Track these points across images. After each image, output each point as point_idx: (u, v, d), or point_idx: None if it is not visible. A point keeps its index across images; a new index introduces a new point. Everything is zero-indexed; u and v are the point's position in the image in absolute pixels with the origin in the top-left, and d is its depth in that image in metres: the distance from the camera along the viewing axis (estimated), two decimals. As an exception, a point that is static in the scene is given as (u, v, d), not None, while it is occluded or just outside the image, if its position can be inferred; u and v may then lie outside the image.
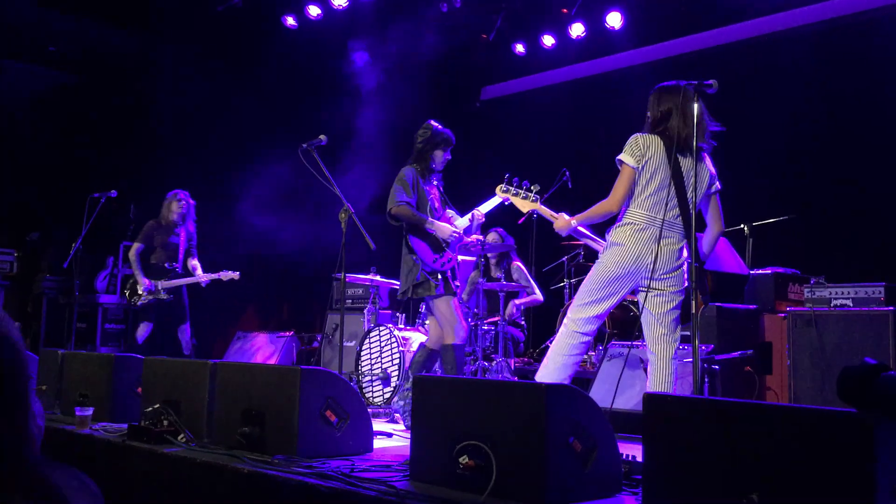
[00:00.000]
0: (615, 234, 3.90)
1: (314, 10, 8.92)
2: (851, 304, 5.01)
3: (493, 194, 4.75)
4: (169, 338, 7.16)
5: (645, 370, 4.85)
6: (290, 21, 9.17)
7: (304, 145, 5.14)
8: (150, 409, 3.98)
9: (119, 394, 4.62)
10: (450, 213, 5.36)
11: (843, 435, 2.00)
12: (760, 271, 5.94)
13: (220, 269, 7.01)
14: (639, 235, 3.81)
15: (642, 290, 3.84)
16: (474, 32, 9.39)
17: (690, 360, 4.09)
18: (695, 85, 3.74)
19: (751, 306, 5.67)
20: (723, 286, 5.54)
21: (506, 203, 5.22)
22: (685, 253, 3.88)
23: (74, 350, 6.97)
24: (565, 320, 3.99)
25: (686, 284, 3.84)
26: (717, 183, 4.07)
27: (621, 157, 3.91)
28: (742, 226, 6.41)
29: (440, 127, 5.36)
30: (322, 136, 5.17)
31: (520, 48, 9.38)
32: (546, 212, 4.17)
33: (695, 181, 3.76)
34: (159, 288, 6.88)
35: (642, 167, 3.86)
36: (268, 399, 3.61)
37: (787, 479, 2.09)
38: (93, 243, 7.95)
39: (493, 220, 6.03)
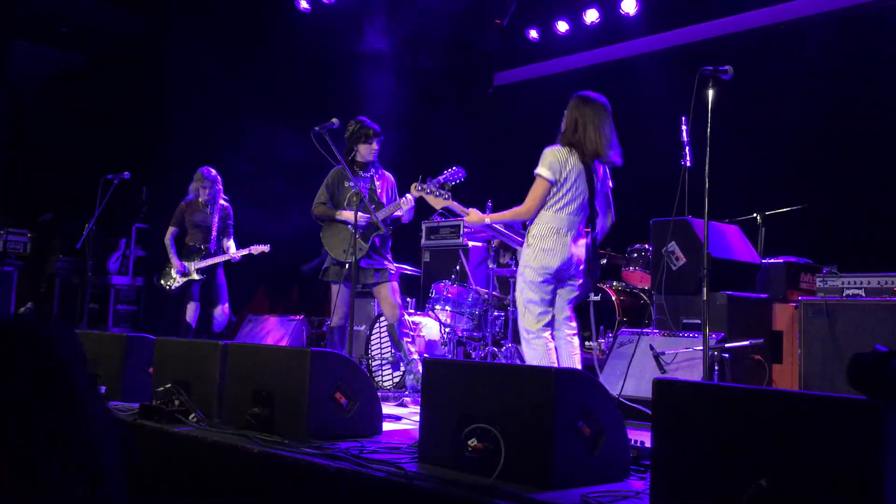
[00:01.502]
0: (542, 238, 4.15)
1: (327, -6, 8.91)
2: (864, 294, 4.98)
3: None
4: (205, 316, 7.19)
5: (655, 357, 4.84)
6: (304, 4, 9.15)
7: (317, 128, 5.14)
8: (162, 388, 4.00)
9: (131, 373, 4.66)
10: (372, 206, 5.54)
11: (851, 421, 1.99)
12: (772, 260, 5.91)
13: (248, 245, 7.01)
14: (563, 238, 4.14)
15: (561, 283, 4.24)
16: (488, 18, 9.34)
17: (700, 347, 4.10)
18: (710, 71, 3.73)
19: (762, 295, 5.64)
20: (734, 275, 5.51)
21: (455, 182, 5.37)
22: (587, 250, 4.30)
23: (87, 330, 7.01)
24: (530, 337, 4.19)
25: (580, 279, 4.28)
26: (611, 184, 4.47)
27: (538, 171, 4.17)
28: (754, 215, 6.38)
29: (365, 121, 5.59)
30: (334, 120, 5.17)
31: (533, 34, 9.33)
32: (457, 206, 4.45)
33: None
34: (192, 269, 6.87)
35: (559, 180, 4.14)
36: (278, 380, 3.63)
37: (795, 465, 2.09)
38: (105, 225, 7.99)
39: (500, 207, 6.03)
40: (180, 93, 9.15)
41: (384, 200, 5.63)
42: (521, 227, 4.40)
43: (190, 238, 7.00)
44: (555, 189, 4.15)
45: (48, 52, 9.87)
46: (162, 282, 6.99)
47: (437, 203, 4.53)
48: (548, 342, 4.18)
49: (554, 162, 4.15)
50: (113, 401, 4.44)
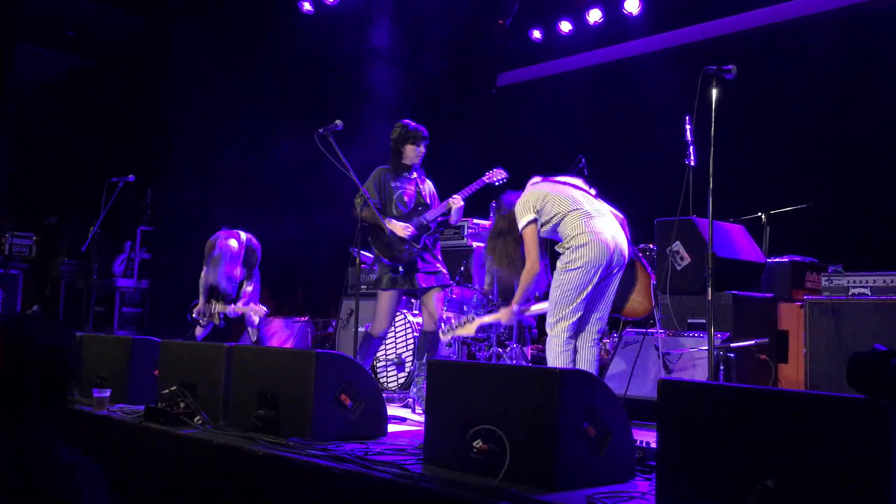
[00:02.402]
0: (573, 259, 4.07)
1: (330, -4, 8.91)
2: (869, 293, 4.96)
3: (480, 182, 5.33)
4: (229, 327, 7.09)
5: (660, 357, 4.83)
6: (307, 6, 9.15)
7: (321, 130, 5.14)
8: (167, 391, 4.01)
9: (136, 376, 4.67)
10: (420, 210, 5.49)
11: (857, 421, 1.99)
12: (777, 259, 5.89)
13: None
14: (592, 248, 4.04)
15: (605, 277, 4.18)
16: (491, 18, 9.34)
17: (706, 347, 4.09)
18: (713, 70, 3.72)
19: (767, 294, 5.63)
20: (739, 274, 5.50)
21: (497, 183, 5.50)
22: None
23: (92, 333, 7.02)
24: (558, 338, 4.10)
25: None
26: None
27: (519, 223, 4.21)
28: (759, 214, 6.36)
29: (411, 123, 5.51)
30: (338, 122, 5.17)
31: (536, 34, 9.32)
32: (487, 320, 4.48)
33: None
34: (214, 311, 6.71)
35: (540, 211, 4.18)
36: (283, 382, 3.63)
37: (801, 465, 2.08)
38: (111, 227, 7.99)
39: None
40: (185, 95, 9.16)
41: (429, 203, 5.57)
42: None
43: (216, 279, 6.76)
44: (541, 220, 4.19)
45: (53, 55, 9.89)
46: (190, 323, 6.85)
47: (469, 330, 4.48)
48: (566, 344, 4.13)
49: (525, 208, 4.23)
50: (118, 403, 4.45)
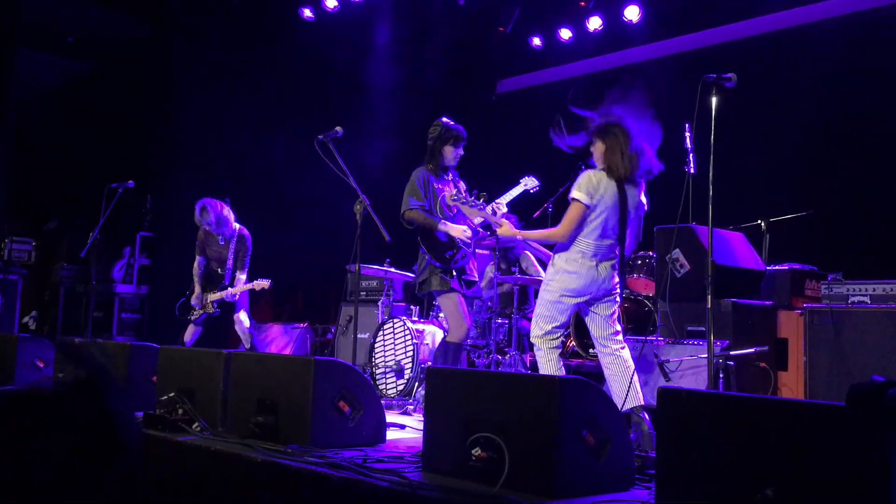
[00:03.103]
0: (567, 261, 4.17)
1: (331, 2, 8.92)
2: (869, 301, 4.96)
3: (516, 183, 5.10)
4: (224, 332, 7.11)
5: (660, 365, 4.83)
6: (307, 13, 9.17)
7: (321, 136, 5.14)
8: (166, 397, 4.01)
9: (134, 382, 4.66)
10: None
11: (857, 430, 1.98)
12: (777, 267, 5.89)
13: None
14: (589, 262, 4.14)
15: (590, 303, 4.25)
16: (491, 25, 9.35)
17: (705, 355, 4.08)
18: (713, 78, 3.73)
19: (767, 302, 5.62)
20: (739, 282, 5.50)
21: (532, 191, 5.44)
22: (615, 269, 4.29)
23: (91, 339, 7.01)
24: (537, 342, 4.26)
25: (618, 291, 4.28)
26: (646, 207, 4.42)
27: (575, 195, 4.15)
28: (759, 221, 6.36)
29: (450, 123, 5.36)
30: (338, 128, 5.17)
31: (536, 41, 9.33)
32: (490, 217, 4.51)
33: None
34: (208, 301, 6.80)
35: (595, 205, 4.12)
36: (282, 389, 3.63)
37: (801, 474, 2.08)
38: (110, 233, 7.99)
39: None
40: (185, 101, 9.17)
41: None
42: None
43: (211, 264, 6.92)
44: (588, 213, 4.13)
45: (54, 61, 9.91)
46: (187, 316, 6.93)
47: (473, 214, 4.52)
48: (550, 355, 4.22)
49: (590, 186, 4.13)
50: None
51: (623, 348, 4.21)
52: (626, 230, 4.24)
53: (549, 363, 4.22)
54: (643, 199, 4.34)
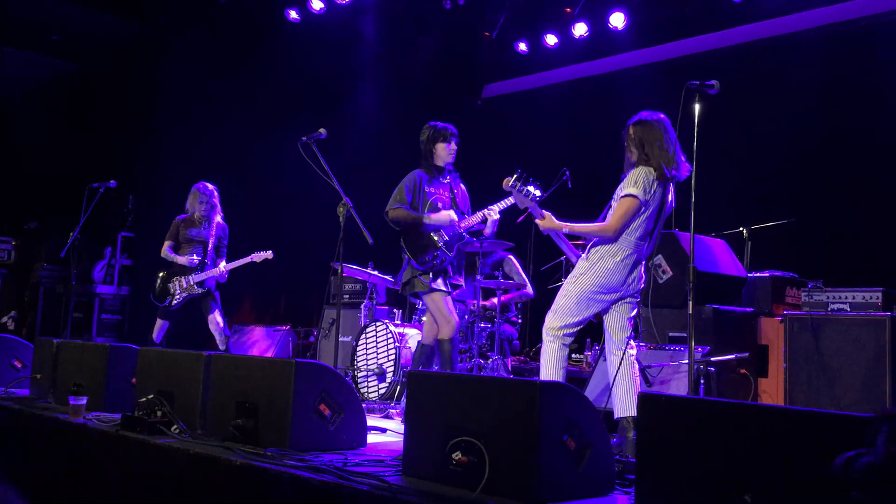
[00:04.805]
0: (606, 257, 4.07)
1: (317, 4, 8.90)
2: (849, 309, 5.00)
3: (507, 194, 4.94)
4: (196, 332, 7.04)
5: (642, 370, 4.84)
6: (293, 15, 9.15)
7: (304, 138, 5.13)
8: (144, 399, 3.97)
9: (113, 384, 4.62)
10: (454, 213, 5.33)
11: (836, 436, 1.99)
12: (758, 274, 5.93)
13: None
14: (626, 261, 4.06)
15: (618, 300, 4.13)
16: (477, 30, 9.37)
17: (686, 361, 4.10)
18: (696, 85, 3.75)
19: (748, 309, 5.66)
20: (720, 288, 5.53)
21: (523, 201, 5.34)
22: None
23: (70, 339, 6.95)
24: (552, 333, 4.10)
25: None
26: (673, 205, 4.31)
27: (633, 191, 4.02)
28: (741, 229, 6.39)
29: (439, 123, 5.42)
30: (322, 130, 5.15)
31: (522, 47, 9.36)
32: (536, 209, 4.29)
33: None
34: (192, 283, 6.75)
35: (647, 201, 4.03)
36: (262, 391, 3.60)
37: (780, 480, 2.09)
38: (91, 233, 7.93)
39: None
40: (169, 101, 9.13)
41: (462, 209, 5.44)
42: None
43: (184, 252, 6.83)
44: (642, 210, 4.04)
45: (37, 59, 9.83)
46: (160, 301, 6.82)
47: (523, 202, 4.36)
48: (558, 352, 4.10)
49: (647, 183, 4.03)
50: (95, 411, 4.40)
51: (635, 354, 4.14)
52: (656, 231, 4.17)
53: (554, 359, 4.08)
54: (671, 198, 4.25)
